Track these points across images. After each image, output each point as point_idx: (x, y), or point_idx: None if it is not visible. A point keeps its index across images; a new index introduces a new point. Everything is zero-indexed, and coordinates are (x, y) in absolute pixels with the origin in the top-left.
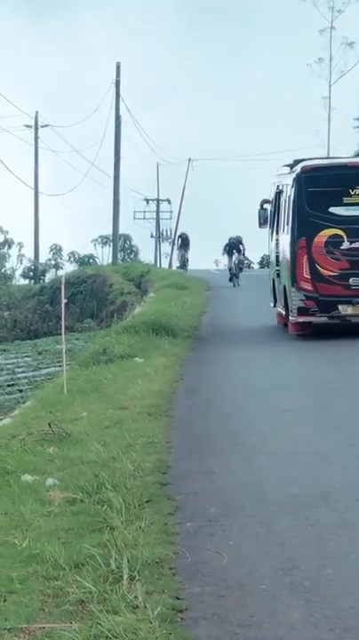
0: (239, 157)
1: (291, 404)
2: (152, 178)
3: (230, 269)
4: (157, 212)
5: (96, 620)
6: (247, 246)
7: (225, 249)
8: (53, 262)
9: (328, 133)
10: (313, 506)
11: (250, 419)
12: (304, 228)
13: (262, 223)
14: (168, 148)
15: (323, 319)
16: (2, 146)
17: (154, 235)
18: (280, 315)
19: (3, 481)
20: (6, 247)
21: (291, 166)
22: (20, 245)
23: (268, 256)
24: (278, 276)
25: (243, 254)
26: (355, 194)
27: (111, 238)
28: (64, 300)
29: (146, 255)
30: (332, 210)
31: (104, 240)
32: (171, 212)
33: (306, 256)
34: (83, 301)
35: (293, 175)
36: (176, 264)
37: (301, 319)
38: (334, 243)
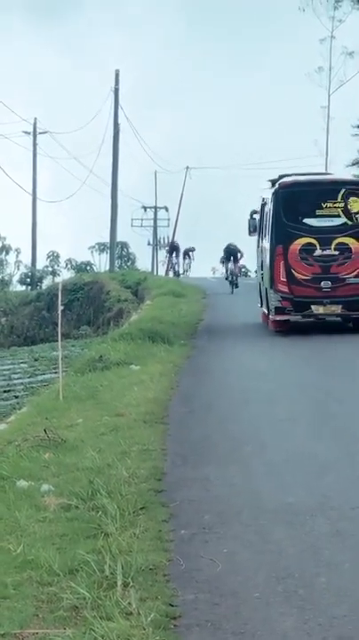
0: (237, 166)
1: (287, 412)
2: (150, 185)
3: (227, 277)
4: (155, 219)
5: (89, 627)
6: (244, 255)
7: (223, 257)
8: (50, 269)
9: (326, 143)
10: (308, 514)
11: (245, 426)
12: (281, 236)
13: (252, 231)
14: (166, 156)
15: (298, 317)
16: (1, 152)
17: (151, 242)
18: (264, 314)
19: None
20: (4, 253)
21: (274, 182)
22: (18, 252)
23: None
24: (262, 279)
25: (239, 261)
26: (326, 207)
27: (108, 245)
28: (61, 307)
29: (143, 263)
30: (306, 221)
31: (101, 247)
32: (168, 219)
33: (282, 262)
34: (79, 308)
35: (273, 190)
36: (171, 274)
37: (278, 317)
38: (308, 250)
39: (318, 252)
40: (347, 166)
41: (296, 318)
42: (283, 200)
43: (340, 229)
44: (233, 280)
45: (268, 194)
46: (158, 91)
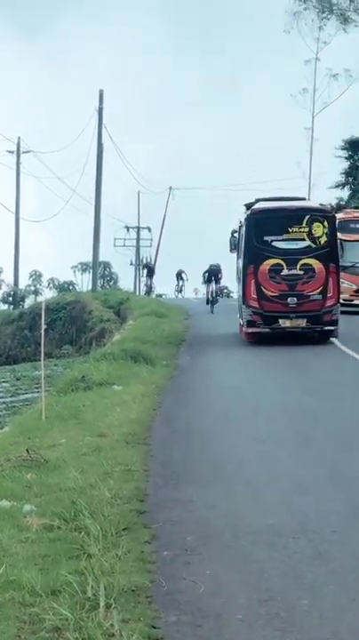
0: (221, 187)
1: (268, 432)
2: (133, 205)
3: (208, 297)
4: (138, 239)
5: None
6: (224, 275)
7: (204, 276)
8: (33, 288)
9: (310, 164)
10: (290, 536)
11: (227, 447)
12: (252, 257)
13: (232, 249)
14: (150, 176)
15: (268, 330)
16: None
17: (133, 262)
18: (240, 325)
19: None
20: None
21: (249, 206)
22: (0, 271)
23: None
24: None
25: (220, 282)
26: (292, 231)
27: (91, 265)
28: (44, 326)
29: (125, 282)
30: (274, 243)
31: (84, 267)
32: (151, 239)
33: (253, 280)
34: (62, 328)
35: (245, 215)
36: (153, 295)
37: (250, 330)
38: (276, 270)
39: (285, 271)
40: (330, 188)
41: (266, 331)
42: (254, 224)
43: (305, 251)
44: (213, 300)
45: (243, 217)
46: (143, 111)
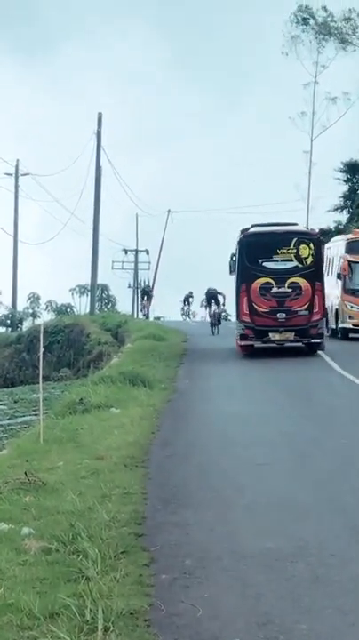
0: (220, 210)
1: (266, 456)
2: (131, 228)
3: (211, 319)
4: (136, 262)
5: None
6: (226, 299)
7: (203, 301)
8: (31, 311)
9: (308, 188)
10: (288, 560)
11: (225, 470)
12: (244, 276)
13: (231, 272)
14: (148, 199)
15: (259, 343)
16: None
17: (131, 285)
18: (236, 339)
19: None
20: None
21: (244, 231)
22: None
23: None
24: None
25: (223, 304)
26: (281, 253)
27: (89, 288)
28: (42, 349)
29: (123, 305)
30: (265, 264)
31: (82, 289)
32: (149, 262)
33: (246, 297)
34: (59, 350)
35: (238, 238)
36: (151, 316)
37: (243, 343)
38: (266, 288)
39: (275, 289)
40: (329, 211)
41: (259, 345)
42: (246, 247)
43: (293, 271)
44: (214, 322)
45: (237, 240)
46: (141, 134)
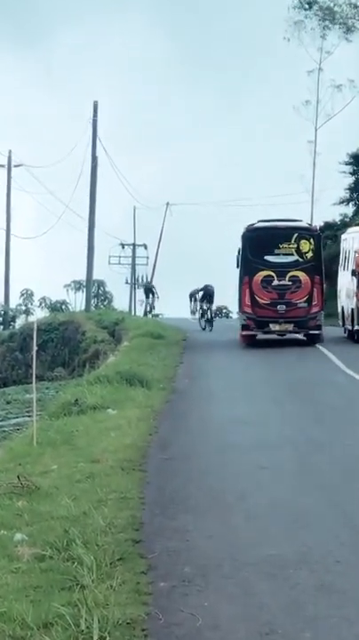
0: (221, 202)
1: (268, 459)
2: (128, 222)
3: (205, 316)
4: (133, 257)
5: None
6: (226, 293)
7: (198, 295)
8: (24, 308)
9: (313, 179)
10: (291, 567)
11: (226, 474)
12: (247, 269)
13: (238, 266)
14: (146, 192)
15: (265, 335)
16: None
17: (129, 281)
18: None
19: None
20: None
21: (249, 226)
22: None
23: None
24: None
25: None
26: (282, 247)
27: (84, 284)
28: (35, 348)
29: (120, 302)
30: (266, 257)
31: (77, 285)
32: (147, 257)
33: (248, 289)
34: (54, 349)
35: (242, 233)
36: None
37: (244, 333)
38: (267, 280)
39: (276, 282)
40: (334, 204)
41: (261, 337)
42: (248, 241)
43: (293, 265)
44: (208, 318)
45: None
46: (140, 125)
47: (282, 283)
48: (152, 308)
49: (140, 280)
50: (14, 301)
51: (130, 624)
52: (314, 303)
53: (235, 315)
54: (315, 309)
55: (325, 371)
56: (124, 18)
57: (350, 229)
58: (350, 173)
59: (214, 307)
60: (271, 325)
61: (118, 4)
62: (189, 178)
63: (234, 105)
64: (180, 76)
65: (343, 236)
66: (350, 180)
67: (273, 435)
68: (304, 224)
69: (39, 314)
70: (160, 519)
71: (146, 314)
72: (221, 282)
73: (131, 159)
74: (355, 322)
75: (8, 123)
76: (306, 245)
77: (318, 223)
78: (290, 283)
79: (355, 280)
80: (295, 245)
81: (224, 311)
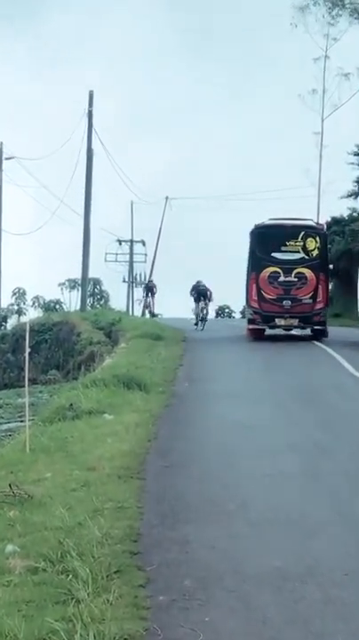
0: (222, 197)
1: (273, 466)
2: (126, 217)
3: (197, 315)
4: (131, 254)
5: None
6: (222, 294)
7: (192, 293)
8: (16, 307)
9: (319, 172)
10: (297, 580)
11: (228, 482)
12: (255, 265)
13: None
14: (145, 186)
15: (271, 330)
16: None
17: (126, 279)
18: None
19: None
20: None
21: (257, 224)
22: None
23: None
24: None
25: (209, 300)
26: (289, 245)
27: (80, 282)
28: (28, 350)
29: (117, 301)
30: (274, 254)
31: (72, 284)
32: (145, 254)
33: (255, 285)
34: (48, 351)
35: (250, 230)
36: (147, 314)
37: (251, 327)
38: (274, 276)
39: (282, 278)
40: (342, 197)
41: (266, 329)
42: (257, 238)
43: (299, 262)
44: (202, 317)
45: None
46: (138, 116)
47: (288, 279)
48: (151, 307)
49: (138, 278)
50: (6, 301)
51: None
52: (318, 299)
53: (237, 314)
54: (319, 305)
55: (333, 374)
56: (123, 1)
57: None
58: (358, 165)
59: (211, 304)
60: (277, 320)
61: None
62: (189, 171)
63: (236, 95)
64: (182, 65)
65: None
66: (358, 172)
67: (277, 440)
68: (311, 223)
69: (32, 314)
70: (159, 529)
71: (144, 314)
72: (222, 279)
73: (129, 152)
74: None
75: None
76: (312, 243)
77: (325, 218)
78: (295, 279)
79: None
80: (301, 243)
81: (226, 310)
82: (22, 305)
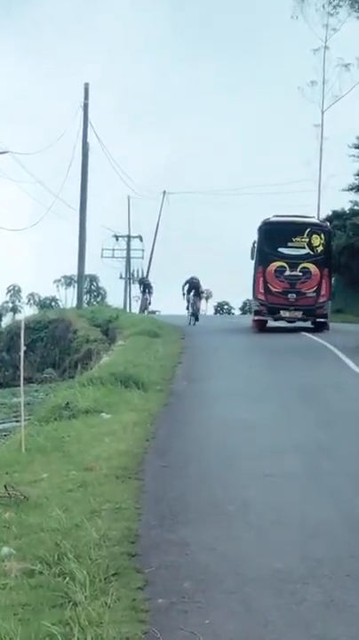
0: (220, 192)
1: (273, 466)
2: (123, 213)
3: (188, 309)
4: (128, 250)
5: None
6: (221, 291)
7: (184, 287)
8: (11, 305)
9: (319, 165)
10: (298, 582)
11: (228, 483)
12: (262, 260)
13: (253, 257)
14: (141, 180)
15: (275, 323)
16: None
17: (123, 275)
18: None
19: None
20: None
21: (265, 220)
22: None
23: (250, 301)
24: None
25: (200, 298)
26: (295, 240)
27: (76, 279)
28: (23, 348)
29: (114, 298)
30: (280, 250)
31: (68, 281)
32: (142, 250)
33: (262, 278)
34: (43, 349)
35: (258, 226)
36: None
37: (257, 318)
38: (280, 270)
39: (287, 272)
40: (343, 191)
41: (271, 321)
42: (264, 233)
43: (305, 257)
44: (193, 312)
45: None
46: (135, 110)
47: (293, 273)
48: (149, 304)
49: (136, 274)
50: (1, 298)
51: None
52: (322, 293)
53: (237, 311)
54: (322, 299)
55: (336, 373)
56: None
57: None
58: None
59: (205, 302)
60: (282, 312)
61: None
62: (188, 165)
63: (234, 86)
64: (179, 56)
65: None
66: None
67: (278, 440)
68: (316, 220)
69: (27, 311)
70: (157, 531)
71: (142, 310)
72: (221, 275)
73: (125, 146)
74: None
75: None
76: (317, 240)
77: (326, 212)
78: (300, 273)
79: None
80: (307, 239)
81: (225, 307)
82: (17, 302)
